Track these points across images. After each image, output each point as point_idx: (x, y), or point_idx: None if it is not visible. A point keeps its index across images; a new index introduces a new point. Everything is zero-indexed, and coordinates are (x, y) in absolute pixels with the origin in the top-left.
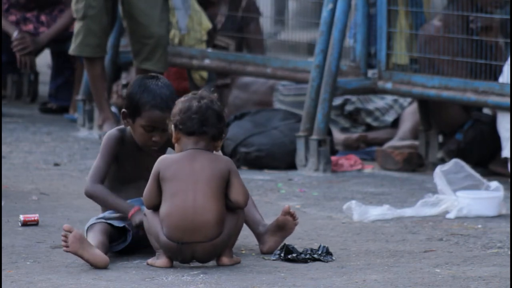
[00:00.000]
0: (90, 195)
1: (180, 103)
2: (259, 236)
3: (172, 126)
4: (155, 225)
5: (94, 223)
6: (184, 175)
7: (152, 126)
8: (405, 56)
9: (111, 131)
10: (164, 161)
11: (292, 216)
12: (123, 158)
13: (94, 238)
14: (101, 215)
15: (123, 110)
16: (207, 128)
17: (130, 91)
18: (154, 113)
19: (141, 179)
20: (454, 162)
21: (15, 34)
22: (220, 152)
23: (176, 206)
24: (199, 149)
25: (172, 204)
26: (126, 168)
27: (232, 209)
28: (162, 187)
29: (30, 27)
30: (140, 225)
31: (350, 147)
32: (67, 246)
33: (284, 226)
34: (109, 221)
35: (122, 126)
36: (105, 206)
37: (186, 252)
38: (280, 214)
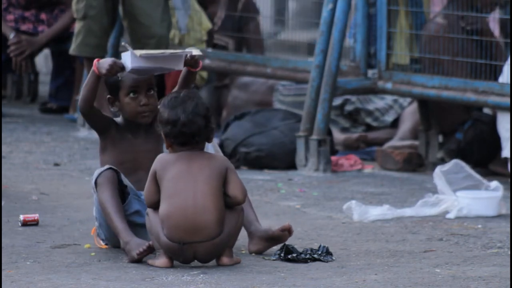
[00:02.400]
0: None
1: (166, 111)
2: (250, 235)
3: (162, 134)
4: (156, 225)
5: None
6: (183, 175)
7: (134, 88)
8: (405, 56)
9: None
10: (161, 161)
11: (289, 232)
12: (119, 147)
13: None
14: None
15: (108, 96)
16: (199, 137)
17: (105, 79)
18: (130, 76)
19: (139, 170)
20: (454, 162)
21: (11, 36)
22: (218, 148)
23: (175, 206)
24: (196, 151)
25: (172, 204)
26: (123, 158)
27: (231, 207)
28: (160, 187)
29: (29, 26)
30: (111, 69)
31: (350, 147)
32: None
33: (279, 239)
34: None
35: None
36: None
37: (187, 252)
38: (279, 228)
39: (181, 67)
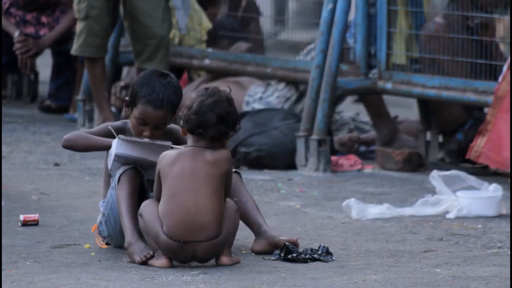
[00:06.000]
0: (68, 140)
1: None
2: (258, 236)
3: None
4: (152, 225)
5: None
6: (185, 174)
7: (143, 120)
8: (405, 56)
9: (115, 122)
10: (165, 159)
11: (296, 246)
12: None
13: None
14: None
15: (126, 98)
16: (204, 131)
17: (134, 81)
18: (147, 108)
19: (147, 169)
20: (451, 172)
21: (16, 34)
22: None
23: (177, 205)
24: (200, 147)
25: (173, 203)
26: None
27: (227, 208)
28: (162, 185)
29: (31, 29)
30: None
31: (345, 146)
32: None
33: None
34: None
35: (126, 120)
36: (86, 147)
37: (187, 251)
38: (287, 239)
39: None
